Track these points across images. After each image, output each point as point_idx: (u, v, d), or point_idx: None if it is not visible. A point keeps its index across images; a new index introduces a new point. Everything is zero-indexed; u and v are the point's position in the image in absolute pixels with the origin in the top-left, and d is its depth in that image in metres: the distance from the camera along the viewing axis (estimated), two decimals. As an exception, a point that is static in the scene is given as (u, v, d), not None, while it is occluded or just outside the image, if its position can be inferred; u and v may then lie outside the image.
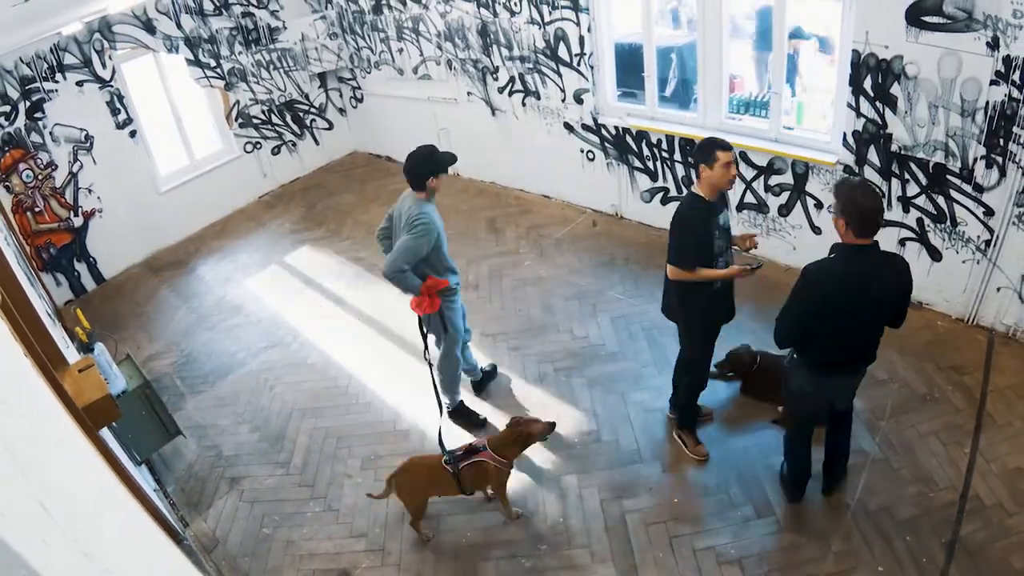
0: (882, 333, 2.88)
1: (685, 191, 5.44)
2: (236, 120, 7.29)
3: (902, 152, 4.12)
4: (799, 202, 4.79)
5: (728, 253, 3.35)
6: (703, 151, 3.14)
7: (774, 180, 4.84)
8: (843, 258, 2.73)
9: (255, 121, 7.44)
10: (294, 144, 7.86)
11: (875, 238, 2.69)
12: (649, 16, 5.07)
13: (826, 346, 2.86)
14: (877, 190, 2.74)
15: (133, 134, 6.46)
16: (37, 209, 6.02)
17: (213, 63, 6.95)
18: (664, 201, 5.63)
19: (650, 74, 5.26)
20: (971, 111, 3.72)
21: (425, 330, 3.74)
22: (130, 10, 6.17)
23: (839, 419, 3.25)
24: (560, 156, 6.13)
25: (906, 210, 4.29)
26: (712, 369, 4.12)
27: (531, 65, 5.91)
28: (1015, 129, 3.61)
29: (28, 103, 5.79)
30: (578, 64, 5.57)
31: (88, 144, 6.19)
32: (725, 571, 3.16)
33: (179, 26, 6.59)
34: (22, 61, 5.67)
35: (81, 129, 6.12)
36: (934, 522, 3.19)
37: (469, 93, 6.60)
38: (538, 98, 6.05)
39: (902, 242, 4.40)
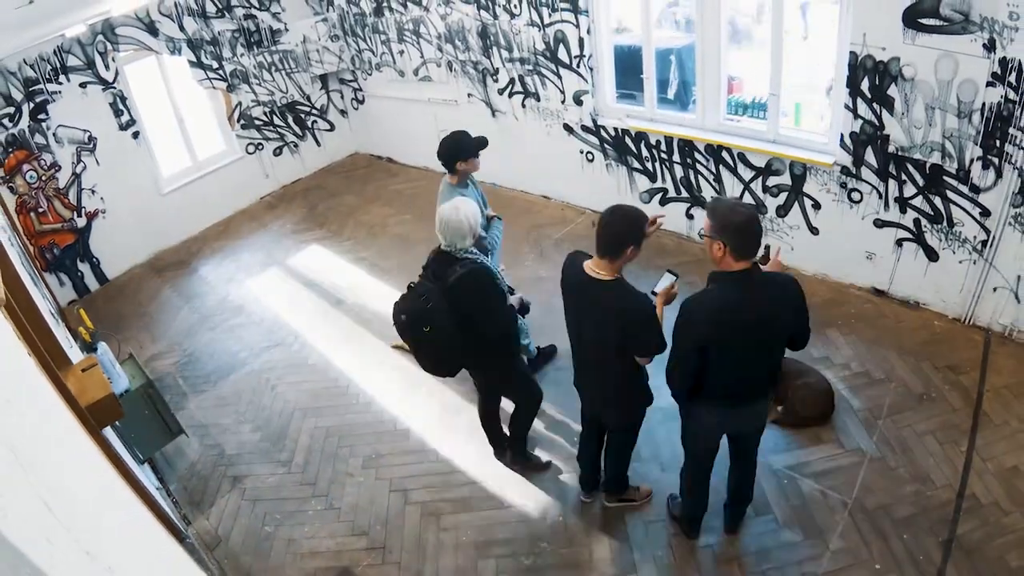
0: (780, 358, 2.72)
1: (684, 192, 5.45)
2: (238, 121, 7.29)
3: (899, 153, 4.12)
4: (797, 203, 4.79)
5: None
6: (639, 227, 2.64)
7: (772, 181, 4.84)
8: (719, 290, 2.50)
9: (257, 122, 7.44)
10: (296, 145, 7.86)
11: (756, 260, 2.48)
12: (648, 18, 5.08)
13: (718, 384, 2.65)
14: (753, 208, 2.57)
15: (136, 135, 6.46)
16: (41, 210, 6.02)
17: (215, 65, 6.95)
18: (663, 202, 5.62)
19: (649, 76, 5.26)
20: (967, 112, 3.72)
21: None
22: (133, 12, 6.17)
23: (741, 454, 3.05)
24: (560, 157, 6.14)
25: (903, 211, 4.29)
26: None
27: (531, 67, 5.91)
28: (1011, 130, 3.61)
29: (32, 105, 5.79)
30: (578, 66, 5.57)
31: (91, 145, 6.19)
32: (723, 569, 3.16)
33: (182, 28, 6.59)
34: (26, 63, 5.67)
35: (84, 130, 6.12)
36: (931, 521, 3.19)
37: (469, 95, 6.60)
38: (538, 99, 6.05)
39: (899, 242, 4.40)
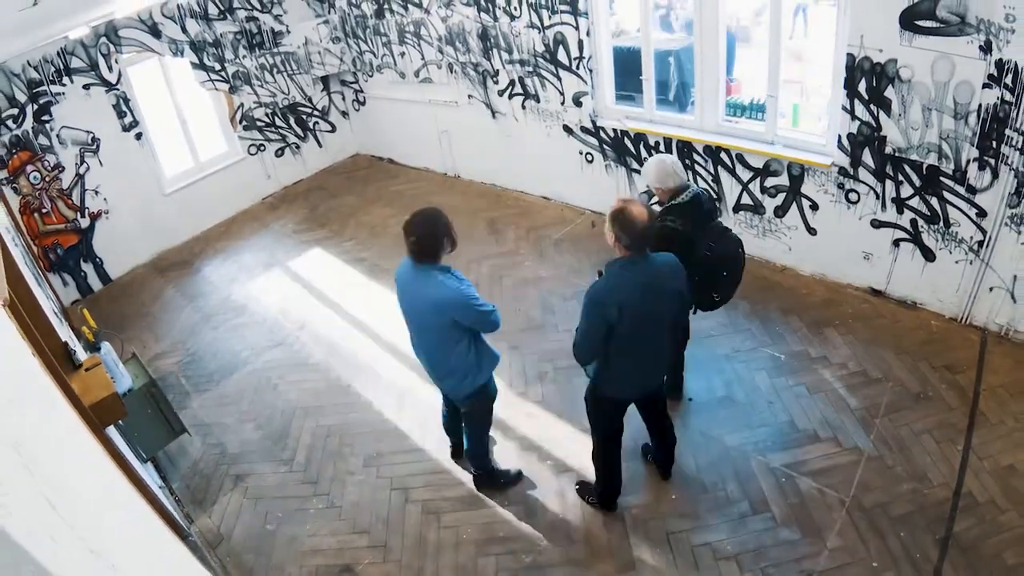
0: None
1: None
2: (240, 123, 7.28)
3: (896, 154, 4.12)
4: (795, 203, 4.79)
5: None
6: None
7: (770, 182, 4.84)
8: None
9: (259, 124, 7.44)
10: (297, 147, 7.86)
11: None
12: (647, 20, 5.08)
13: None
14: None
15: (139, 136, 6.45)
16: (44, 210, 6.02)
17: (218, 66, 6.95)
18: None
19: (648, 77, 5.26)
20: (964, 114, 3.73)
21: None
22: (136, 15, 6.17)
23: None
24: (559, 158, 6.14)
25: (900, 211, 4.29)
26: None
27: (531, 68, 5.90)
28: (1007, 131, 3.61)
29: (35, 106, 5.78)
30: (577, 67, 5.57)
31: (95, 146, 6.19)
32: (722, 567, 3.16)
33: (184, 30, 6.59)
34: (29, 64, 5.67)
35: (88, 132, 6.12)
36: (928, 519, 3.19)
37: (470, 96, 6.60)
38: (538, 101, 6.05)
39: (896, 243, 4.40)
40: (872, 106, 4.07)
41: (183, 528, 3.59)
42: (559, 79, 5.75)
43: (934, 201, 4.11)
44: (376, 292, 5.64)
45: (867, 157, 4.25)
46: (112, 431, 3.15)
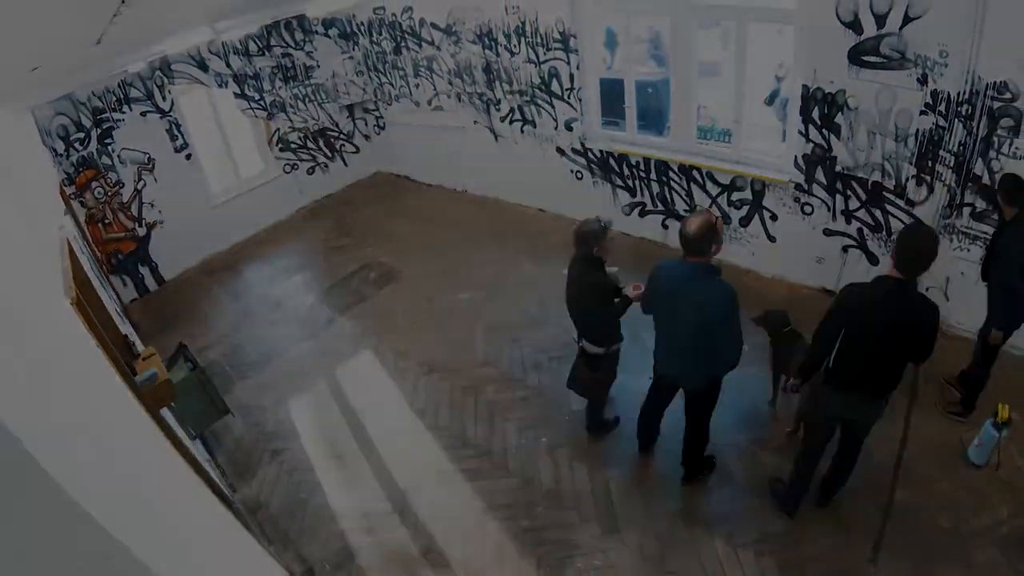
0: (900, 364, 2.64)
1: (660, 205, 5.45)
2: (276, 145, 7.28)
3: (845, 172, 4.12)
4: (757, 214, 4.79)
5: None
6: None
7: (736, 196, 4.84)
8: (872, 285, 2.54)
9: (292, 146, 7.44)
10: (326, 166, 7.85)
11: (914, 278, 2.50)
12: (629, 56, 5.07)
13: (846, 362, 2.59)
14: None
15: (189, 157, 6.45)
16: (107, 221, 6.03)
17: (257, 96, 6.95)
18: (642, 214, 5.62)
19: (630, 105, 5.26)
20: (904, 137, 3.73)
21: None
22: (186, 51, 6.18)
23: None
24: (553, 175, 6.13)
25: (848, 221, 4.29)
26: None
27: (528, 98, 5.90)
28: (941, 152, 3.62)
29: (99, 130, 5.79)
30: (568, 97, 5.57)
31: (151, 165, 6.19)
32: (693, 530, 3.16)
33: (228, 65, 6.60)
34: (94, 95, 5.67)
35: (144, 152, 6.12)
36: (873, 488, 3.18)
37: (475, 122, 6.59)
38: (534, 126, 6.05)
39: (845, 248, 4.40)
40: (824, 131, 4.07)
41: (228, 496, 3.60)
42: (553, 107, 5.75)
43: (878, 213, 4.11)
44: (392, 290, 5.63)
45: (820, 175, 4.26)
46: (165, 412, 3.15)
